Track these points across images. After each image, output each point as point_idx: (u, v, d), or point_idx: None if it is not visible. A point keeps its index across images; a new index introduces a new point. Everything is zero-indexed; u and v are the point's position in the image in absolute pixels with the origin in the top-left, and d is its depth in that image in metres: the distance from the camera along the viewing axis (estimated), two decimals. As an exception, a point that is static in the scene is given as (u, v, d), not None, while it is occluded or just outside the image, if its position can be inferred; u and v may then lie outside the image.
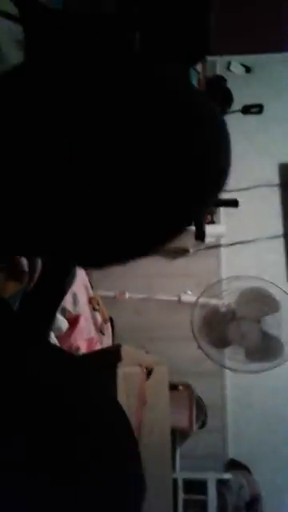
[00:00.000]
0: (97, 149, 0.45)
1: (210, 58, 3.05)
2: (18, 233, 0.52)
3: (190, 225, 0.54)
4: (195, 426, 2.46)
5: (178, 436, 2.57)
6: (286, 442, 2.58)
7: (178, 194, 0.49)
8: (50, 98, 0.46)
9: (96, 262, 0.57)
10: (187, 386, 2.52)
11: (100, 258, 0.55)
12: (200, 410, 2.52)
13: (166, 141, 0.46)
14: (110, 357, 1.23)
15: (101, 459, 0.43)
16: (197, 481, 2.41)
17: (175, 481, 2.33)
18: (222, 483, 2.39)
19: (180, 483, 2.39)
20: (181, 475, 2.43)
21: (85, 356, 1.39)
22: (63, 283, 0.91)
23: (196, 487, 2.40)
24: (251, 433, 2.62)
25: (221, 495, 2.35)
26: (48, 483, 0.39)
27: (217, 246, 2.82)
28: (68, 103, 0.46)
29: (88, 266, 0.61)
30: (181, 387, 2.50)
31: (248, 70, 3.24)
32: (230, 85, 3.00)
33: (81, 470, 0.41)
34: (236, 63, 3.25)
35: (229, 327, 2.08)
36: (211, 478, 2.38)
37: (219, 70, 3.23)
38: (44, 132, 0.45)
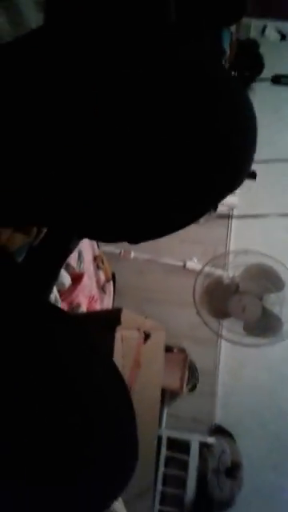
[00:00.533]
0: (117, 120, 0.44)
1: (244, 20, 2.92)
2: (27, 205, 0.52)
3: (215, 206, 0.54)
4: (185, 388, 2.52)
5: (168, 396, 2.64)
6: (273, 417, 2.64)
7: (202, 171, 0.48)
8: (67, 64, 0.45)
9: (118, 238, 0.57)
10: (182, 350, 2.57)
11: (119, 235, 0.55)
12: (192, 373, 2.58)
13: (190, 122, 0.45)
14: (110, 320, 1.24)
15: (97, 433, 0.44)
16: (181, 440, 2.49)
17: (160, 438, 2.41)
18: (205, 446, 2.47)
19: (164, 440, 2.47)
20: (166, 433, 2.51)
21: (85, 316, 1.41)
22: (69, 242, 0.92)
23: (179, 446, 2.48)
24: (239, 403, 2.68)
25: (202, 457, 2.44)
26: (41, 459, 0.40)
27: (228, 217, 2.80)
28: (84, 73, 0.44)
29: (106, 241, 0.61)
30: (176, 350, 2.54)
31: (283, 37, 3.10)
32: (262, 51, 2.89)
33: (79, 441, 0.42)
34: (271, 29, 3.11)
35: (230, 299, 2.09)
36: (195, 440, 2.46)
37: (253, 34, 3.10)
38: (60, 99, 0.44)
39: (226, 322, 2.18)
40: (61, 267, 0.99)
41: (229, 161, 0.49)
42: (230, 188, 0.53)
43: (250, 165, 0.53)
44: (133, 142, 0.45)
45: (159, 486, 2.39)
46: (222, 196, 0.53)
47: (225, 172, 0.50)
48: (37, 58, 0.46)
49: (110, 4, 0.48)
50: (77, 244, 0.93)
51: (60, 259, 0.92)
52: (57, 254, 0.87)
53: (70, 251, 0.96)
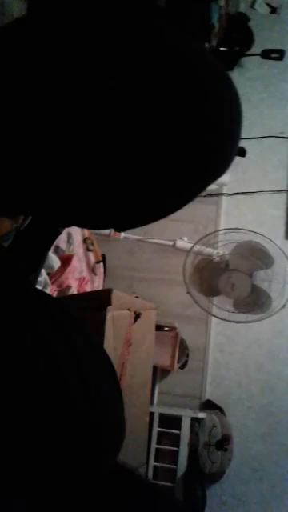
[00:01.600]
0: (99, 106, 0.43)
1: (234, -7, 2.87)
2: (16, 193, 0.51)
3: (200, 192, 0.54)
4: (176, 366, 2.55)
5: (159, 373, 2.67)
6: (261, 390, 2.70)
7: (182, 160, 0.48)
8: (50, 53, 0.44)
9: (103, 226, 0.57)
10: (173, 328, 2.59)
11: (106, 223, 0.55)
12: (182, 351, 2.61)
13: (172, 105, 0.45)
14: (101, 300, 1.25)
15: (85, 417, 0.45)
16: (172, 416, 2.53)
17: (152, 414, 2.44)
18: (196, 421, 2.52)
19: (156, 417, 2.51)
20: (158, 409, 2.55)
21: (75, 298, 1.42)
22: (56, 227, 0.91)
23: (171, 422, 2.52)
24: (229, 378, 2.73)
25: (193, 432, 2.49)
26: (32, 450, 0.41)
27: (218, 194, 2.79)
28: (69, 61, 0.44)
29: (88, 227, 0.62)
30: (166, 328, 2.57)
31: (273, 10, 3.04)
32: (252, 25, 2.84)
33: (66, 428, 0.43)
34: (261, 1, 3.05)
35: (220, 277, 2.10)
36: (186, 415, 2.50)
37: (242, 7, 3.04)
38: (43, 87, 0.44)
39: (215, 300, 2.19)
40: (48, 250, 0.99)
41: (213, 148, 0.49)
42: (215, 176, 0.53)
43: (235, 148, 0.53)
44: (118, 129, 0.44)
45: (152, 461, 2.45)
46: (207, 184, 0.53)
47: (209, 159, 0.49)
48: (18, 46, 0.45)
49: None
50: (64, 227, 0.92)
51: (47, 242, 0.92)
52: (43, 237, 0.87)
53: (58, 233, 0.96)
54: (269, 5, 3.05)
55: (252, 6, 3.05)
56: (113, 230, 2.21)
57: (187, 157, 0.47)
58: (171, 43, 0.47)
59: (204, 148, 0.48)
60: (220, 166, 0.52)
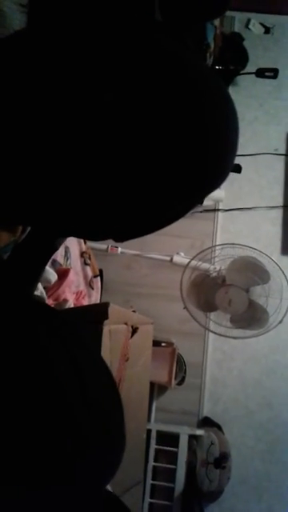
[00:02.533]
0: (98, 120, 0.44)
1: (228, 13, 2.92)
2: (15, 205, 0.52)
3: (196, 204, 0.54)
4: (174, 382, 2.54)
5: (157, 390, 2.65)
6: (259, 407, 2.67)
7: (179, 171, 0.48)
8: (49, 67, 0.45)
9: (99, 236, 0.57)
10: (170, 344, 2.58)
11: (102, 234, 0.56)
12: (180, 367, 2.59)
13: (170, 120, 0.46)
14: (98, 314, 1.25)
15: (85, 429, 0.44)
16: (170, 433, 2.50)
17: (149, 431, 2.42)
18: (193, 438, 2.49)
19: (153, 434, 2.48)
20: (155, 427, 2.52)
21: (73, 311, 1.41)
22: (54, 239, 0.91)
23: (168, 439, 2.49)
24: (227, 395, 2.71)
25: (191, 450, 2.46)
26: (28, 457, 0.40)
27: (214, 210, 2.81)
28: (69, 75, 0.44)
29: (87, 239, 0.62)
30: (164, 344, 2.55)
31: (267, 30, 3.11)
32: (246, 44, 2.89)
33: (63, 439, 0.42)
34: (255, 22, 3.11)
35: (217, 292, 2.10)
36: (184, 433, 2.47)
37: (237, 27, 3.11)
38: (42, 101, 0.44)
39: (212, 315, 2.19)
40: (46, 264, 0.99)
41: (211, 159, 0.50)
42: (212, 186, 0.53)
43: (232, 161, 0.54)
44: (116, 142, 0.45)
45: (149, 480, 2.41)
46: (205, 195, 0.54)
47: (205, 171, 0.50)
48: (18, 59, 0.46)
49: (92, 5, 0.48)
50: (63, 241, 0.93)
51: (45, 256, 0.92)
52: (42, 250, 0.87)
53: (56, 248, 0.96)
54: (262, 25, 3.12)
55: (246, 26, 3.12)
56: (110, 245, 2.22)
57: (184, 168, 0.48)
58: (171, 56, 0.47)
59: (201, 160, 0.49)
60: (217, 178, 0.53)
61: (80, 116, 0.44)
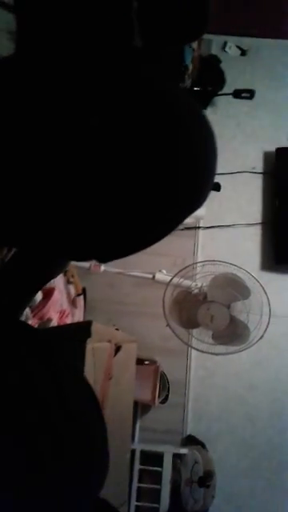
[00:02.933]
0: (82, 145, 0.45)
1: (206, 36, 3.00)
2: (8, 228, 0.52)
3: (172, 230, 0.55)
4: (157, 401, 2.52)
5: (140, 408, 2.63)
6: (242, 423, 2.68)
7: (155, 195, 0.49)
8: (37, 92, 0.46)
9: (83, 257, 0.58)
10: (153, 362, 2.57)
11: (86, 255, 0.56)
12: (163, 385, 2.58)
13: (150, 144, 0.47)
14: (81, 332, 1.24)
15: (68, 444, 0.44)
16: (154, 453, 2.48)
17: (133, 451, 2.39)
18: (177, 457, 2.47)
19: (137, 454, 2.46)
20: (139, 446, 2.50)
21: (56, 329, 1.40)
22: (52, 268, 0.90)
23: (152, 459, 2.47)
24: (210, 412, 2.70)
25: (175, 468, 2.44)
26: (21, 470, 0.40)
27: (195, 228, 2.84)
28: (56, 100, 0.46)
29: (77, 260, 0.62)
30: (147, 362, 2.55)
31: (243, 52, 3.20)
32: (223, 66, 2.97)
33: (49, 454, 0.42)
34: (232, 44, 3.20)
35: (199, 309, 2.11)
36: (168, 452, 2.45)
37: (214, 50, 3.19)
38: (29, 125, 0.45)
39: (195, 332, 2.20)
40: (38, 291, 0.97)
41: (187, 183, 0.51)
42: (192, 208, 0.54)
43: (211, 183, 0.55)
44: (100, 165, 0.46)
45: (133, 500, 2.38)
46: (185, 217, 0.55)
47: (184, 194, 0.51)
48: (6, 83, 0.47)
49: (74, 33, 0.50)
50: (60, 272, 0.92)
51: (39, 283, 0.91)
52: (33, 275, 0.87)
53: (53, 276, 0.94)
54: (239, 47, 3.21)
55: (223, 48, 3.21)
56: (93, 263, 2.22)
57: (166, 191, 0.49)
58: (149, 83, 0.49)
59: (182, 183, 0.50)
60: (197, 200, 0.54)
61: (68, 138, 0.45)
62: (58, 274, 1.16)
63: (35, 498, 0.41)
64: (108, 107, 0.46)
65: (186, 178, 0.50)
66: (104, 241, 0.52)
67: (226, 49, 3.20)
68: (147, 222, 0.51)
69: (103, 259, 0.58)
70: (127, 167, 0.46)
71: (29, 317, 1.32)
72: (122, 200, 0.47)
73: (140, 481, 2.43)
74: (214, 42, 3.20)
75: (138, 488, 2.42)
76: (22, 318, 1.29)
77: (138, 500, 2.41)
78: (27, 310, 1.31)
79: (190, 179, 0.51)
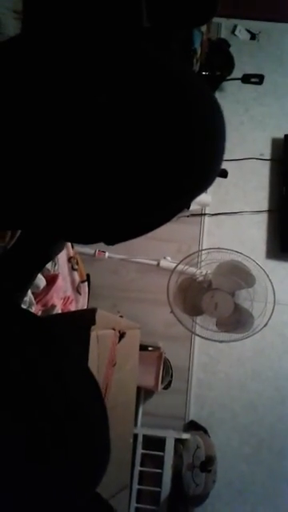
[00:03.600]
0: (93, 122, 0.45)
1: (215, 20, 2.95)
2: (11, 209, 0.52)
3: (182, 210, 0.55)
4: (160, 386, 2.54)
5: (143, 394, 2.65)
6: (244, 409, 2.69)
7: (169, 177, 0.49)
8: (44, 71, 0.45)
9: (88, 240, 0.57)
10: (157, 348, 2.58)
11: (90, 238, 0.56)
12: (167, 371, 2.60)
13: (162, 128, 0.46)
14: (85, 320, 1.24)
15: (70, 436, 0.44)
16: (156, 438, 2.50)
17: (135, 436, 2.42)
18: (179, 442, 2.49)
19: (140, 438, 2.48)
20: (141, 431, 2.52)
21: (60, 317, 1.41)
22: (48, 246, 0.91)
23: (155, 444, 2.50)
24: (213, 398, 2.72)
25: (177, 454, 2.46)
26: (21, 459, 0.40)
27: (201, 215, 2.83)
28: (64, 79, 0.45)
29: (76, 242, 0.62)
30: (151, 348, 2.56)
31: (253, 36, 3.14)
32: (232, 50, 2.92)
33: (51, 445, 0.42)
34: (241, 28, 3.14)
35: (203, 296, 2.11)
36: (170, 437, 2.48)
37: (224, 34, 3.13)
38: (37, 104, 0.45)
39: (199, 319, 2.20)
40: (38, 272, 0.98)
41: (198, 163, 0.50)
42: (200, 190, 0.54)
43: (219, 166, 0.55)
44: (109, 144, 0.45)
45: (135, 484, 2.41)
46: (193, 197, 0.54)
47: (193, 175, 0.51)
48: (13, 63, 0.47)
49: (82, 12, 0.49)
50: (58, 252, 0.92)
51: (38, 264, 0.91)
52: (35, 257, 0.87)
53: (51, 257, 0.95)
54: (248, 31, 3.15)
55: (233, 32, 3.15)
56: (98, 250, 2.21)
57: (172, 171, 0.49)
58: (159, 62, 0.48)
59: (188, 164, 0.49)
60: (203, 182, 0.54)
61: (76, 117, 0.44)
62: (57, 255, 1.16)
63: (35, 488, 0.41)
64: (116, 85, 0.45)
65: (196, 158, 0.50)
66: (112, 222, 0.52)
67: (236, 32, 3.15)
68: (155, 201, 0.51)
69: (111, 241, 0.57)
70: (136, 146, 0.46)
71: (33, 303, 1.32)
72: (130, 179, 0.47)
73: (142, 465, 2.46)
74: (224, 26, 3.15)
75: (140, 472, 2.45)
76: (26, 304, 1.29)
77: (139, 484, 2.44)
78: (31, 297, 1.31)
79: (200, 159, 0.51)
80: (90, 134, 0.45)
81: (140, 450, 2.47)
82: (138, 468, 2.44)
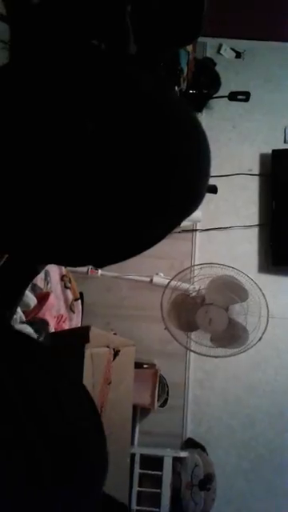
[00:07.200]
0: (79, 151, 0.45)
1: (200, 39, 3.01)
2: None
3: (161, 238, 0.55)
4: (157, 404, 2.52)
5: (139, 412, 2.63)
6: (242, 425, 2.67)
7: (144, 200, 0.49)
8: (33, 99, 0.46)
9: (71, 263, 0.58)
10: (152, 365, 2.57)
11: (74, 261, 0.56)
12: (162, 388, 2.58)
13: (141, 147, 0.47)
14: (79, 338, 1.24)
15: (65, 451, 0.44)
16: (154, 457, 2.47)
17: (133, 456, 2.39)
18: (177, 460, 2.47)
19: (137, 458, 2.45)
20: (139, 450, 2.49)
21: (54, 336, 1.40)
22: (35, 265, 0.91)
23: (152, 463, 2.46)
24: (210, 414, 2.70)
25: (176, 472, 2.43)
26: (21, 484, 0.40)
27: (192, 231, 2.84)
28: (52, 106, 0.46)
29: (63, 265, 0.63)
30: (146, 366, 2.54)
31: (238, 55, 3.21)
32: (218, 69, 2.98)
33: (47, 464, 0.42)
34: (227, 47, 3.21)
35: (197, 312, 2.11)
36: (168, 455, 2.45)
37: (209, 53, 3.20)
38: (25, 131, 0.45)
39: (193, 335, 2.19)
40: (25, 288, 0.98)
41: (181, 187, 0.51)
42: (187, 211, 0.55)
43: (204, 186, 0.56)
44: (97, 169, 0.46)
45: (134, 505, 2.37)
46: (181, 219, 0.55)
47: (180, 197, 0.52)
48: (1, 90, 0.47)
49: (69, 39, 0.50)
50: (44, 266, 0.93)
51: (25, 280, 0.92)
52: (21, 275, 0.87)
53: (37, 273, 0.96)
54: (234, 50, 3.22)
55: (218, 51, 3.22)
56: (91, 268, 2.21)
57: (161, 194, 0.49)
58: (142, 88, 0.49)
59: (177, 186, 0.50)
60: (192, 203, 0.55)
61: (65, 144, 0.45)
62: (42, 270, 1.16)
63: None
64: (103, 113, 0.46)
65: (180, 181, 0.51)
66: (100, 246, 0.52)
67: (221, 51, 3.21)
68: (143, 225, 0.51)
69: (100, 264, 0.58)
70: (122, 172, 0.46)
71: (23, 321, 1.31)
72: (117, 204, 0.48)
73: (140, 485, 2.43)
74: (209, 45, 3.22)
75: (139, 492, 2.42)
76: (16, 322, 1.28)
77: (138, 504, 2.40)
78: (21, 315, 1.30)
79: (185, 182, 0.51)
80: (78, 161, 0.45)
81: (138, 470, 2.43)
82: (136, 488, 2.40)
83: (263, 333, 2.09)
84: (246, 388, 2.71)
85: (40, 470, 0.41)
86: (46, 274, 1.51)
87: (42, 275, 1.48)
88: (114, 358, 1.45)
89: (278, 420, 2.68)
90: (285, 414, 2.69)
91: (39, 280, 1.45)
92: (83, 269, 2.20)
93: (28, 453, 0.41)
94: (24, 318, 1.35)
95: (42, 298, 1.43)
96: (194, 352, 2.20)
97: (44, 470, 0.42)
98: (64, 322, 1.61)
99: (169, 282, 2.19)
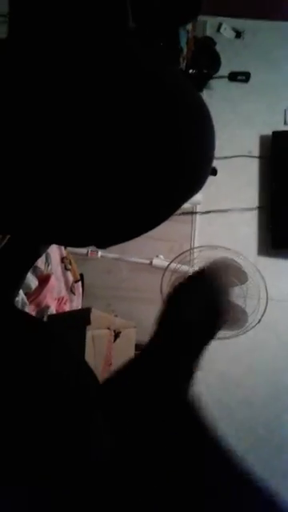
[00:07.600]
0: (80, 129, 0.44)
1: (200, 18, 2.96)
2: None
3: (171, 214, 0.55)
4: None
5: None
6: (241, 406, 2.70)
7: (156, 184, 0.49)
8: (28, 77, 0.45)
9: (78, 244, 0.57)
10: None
11: (81, 242, 0.56)
12: (162, 370, 2.59)
13: (149, 131, 0.46)
14: (80, 320, 1.24)
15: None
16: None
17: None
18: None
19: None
20: (138, 431, 2.52)
21: (55, 317, 1.40)
22: (37, 246, 0.91)
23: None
24: (210, 395, 2.72)
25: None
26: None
27: (192, 213, 2.83)
28: (47, 87, 0.45)
29: (68, 246, 0.62)
30: (145, 347, 2.55)
31: (238, 34, 3.16)
32: (218, 48, 2.93)
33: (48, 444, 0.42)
34: (227, 26, 3.16)
35: (197, 294, 2.11)
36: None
37: (209, 32, 3.15)
38: (20, 115, 0.44)
39: (193, 317, 2.20)
40: (28, 270, 0.98)
41: (188, 169, 0.51)
42: (191, 193, 0.54)
43: (208, 169, 0.55)
44: (100, 149, 0.45)
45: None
46: (185, 200, 0.55)
47: (185, 177, 0.51)
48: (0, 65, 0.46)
49: (68, 13, 0.49)
50: (46, 248, 0.92)
51: (27, 263, 0.92)
52: (24, 256, 0.87)
53: (39, 255, 0.95)
54: (234, 29, 3.17)
55: (218, 30, 3.16)
56: (90, 249, 2.21)
57: (166, 174, 0.49)
58: (145, 65, 0.48)
59: (182, 166, 0.50)
60: (197, 183, 0.54)
61: (65, 122, 0.44)
62: (44, 251, 1.16)
63: None
64: (105, 92, 0.45)
65: (186, 161, 0.50)
66: (104, 226, 0.52)
67: (221, 30, 3.16)
68: (147, 206, 0.51)
69: (102, 245, 0.57)
70: (126, 151, 0.46)
71: (26, 303, 1.31)
72: (122, 184, 0.47)
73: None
74: (209, 24, 3.16)
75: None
76: (19, 305, 1.28)
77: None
78: (24, 297, 1.30)
79: (191, 162, 0.51)
80: (80, 140, 0.45)
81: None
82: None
83: (262, 315, 2.09)
84: (244, 370, 2.74)
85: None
86: (47, 256, 1.51)
87: (42, 257, 1.48)
88: (115, 340, 1.46)
89: (277, 401, 2.71)
90: (283, 396, 2.71)
91: (40, 262, 1.45)
92: (83, 250, 2.20)
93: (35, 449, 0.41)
94: (26, 301, 1.35)
95: (43, 280, 1.43)
96: (194, 334, 2.21)
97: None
98: (65, 303, 1.61)
99: (168, 265, 2.18)
